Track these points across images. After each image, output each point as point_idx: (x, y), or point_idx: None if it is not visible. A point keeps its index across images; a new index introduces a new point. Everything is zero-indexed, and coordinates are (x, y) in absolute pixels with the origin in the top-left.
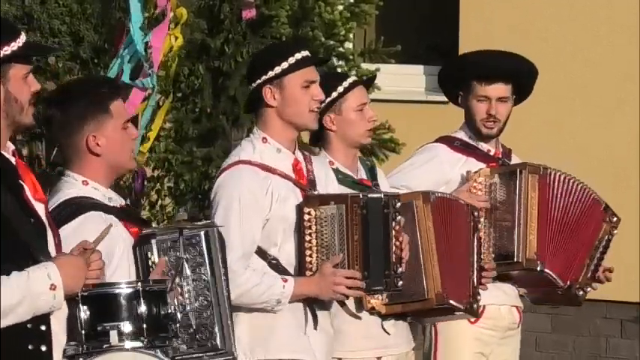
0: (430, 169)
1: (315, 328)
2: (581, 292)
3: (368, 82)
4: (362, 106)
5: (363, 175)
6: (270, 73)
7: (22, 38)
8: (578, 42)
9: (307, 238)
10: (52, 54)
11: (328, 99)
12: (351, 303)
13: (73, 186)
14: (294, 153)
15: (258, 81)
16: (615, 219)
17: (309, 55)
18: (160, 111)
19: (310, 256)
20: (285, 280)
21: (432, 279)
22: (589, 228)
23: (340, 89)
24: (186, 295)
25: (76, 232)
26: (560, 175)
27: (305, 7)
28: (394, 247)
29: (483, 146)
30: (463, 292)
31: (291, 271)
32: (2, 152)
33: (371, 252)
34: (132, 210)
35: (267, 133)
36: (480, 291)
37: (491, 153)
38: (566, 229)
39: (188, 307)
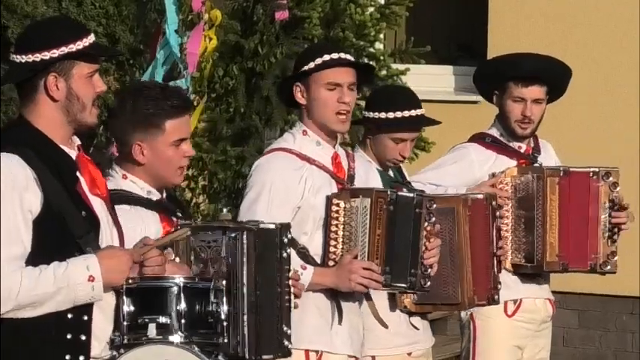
0: (460, 169)
1: (340, 323)
2: (608, 266)
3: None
4: (401, 140)
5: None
6: (298, 72)
7: (91, 39)
8: (608, 40)
9: (333, 229)
10: (116, 56)
11: (377, 114)
12: (385, 301)
13: (113, 179)
14: (334, 147)
15: (290, 78)
16: (611, 177)
17: (342, 57)
18: (194, 111)
19: (335, 247)
20: (304, 268)
21: (465, 283)
22: (587, 202)
23: (391, 115)
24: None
25: None
26: (576, 172)
27: (336, 8)
28: (424, 248)
29: (514, 143)
30: (487, 286)
31: (319, 261)
32: (62, 146)
33: (396, 248)
34: (169, 205)
35: (307, 127)
36: (516, 284)
37: (522, 150)
38: (580, 221)
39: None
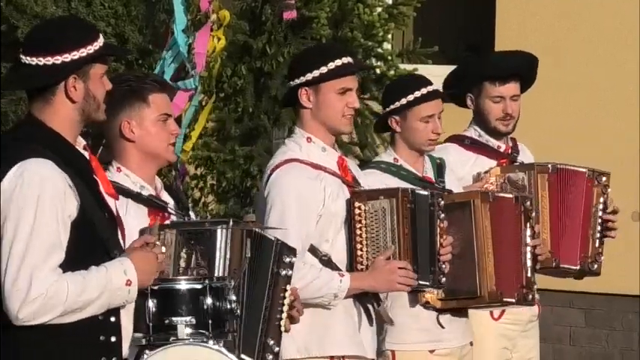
0: None
1: (371, 324)
2: (595, 266)
3: (443, 94)
4: (428, 118)
5: (429, 171)
6: (309, 76)
7: (102, 40)
8: (614, 39)
9: (358, 232)
10: (125, 55)
11: (397, 103)
12: (404, 297)
13: (109, 172)
14: (337, 151)
15: (297, 81)
16: (604, 178)
17: (351, 62)
18: (203, 111)
19: (361, 249)
20: (342, 275)
21: (485, 277)
22: (581, 201)
23: (410, 97)
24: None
25: None
26: (564, 168)
27: (344, 8)
28: (438, 244)
29: (493, 143)
30: (516, 284)
31: (343, 267)
32: (77, 148)
33: (419, 246)
34: (160, 200)
35: (309, 132)
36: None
37: (502, 149)
38: (570, 216)
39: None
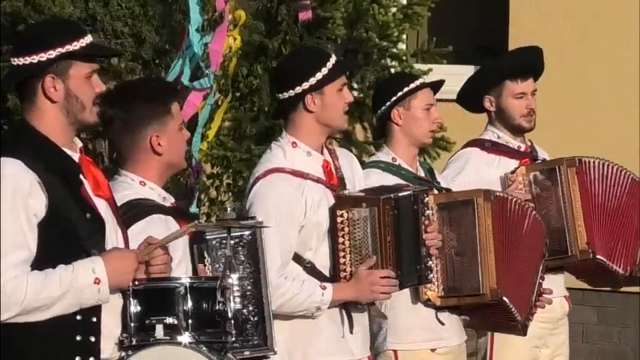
0: (468, 174)
1: (352, 332)
2: None
3: (436, 85)
4: (429, 105)
5: (421, 174)
6: (312, 80)
7: (88, 39)
8: (627, 39)
9: (340, 240)
10: (114, 56)
11: (399, 93)
12: (406, 297)
13: (130, 187)
14: (322, 154)
15: (299, 89)
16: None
17: (340, 59)
18: (219, 110)
19: (344, 257)
20: (324, 288)
21: (487, 275)
22: (635, 209)
23: (412, 86)
24: (235, 292)
25: (141, 234)
26: (594, 162)
27: (359, 9)
28: (423, 242)
29: (513, 143)
30: (523, 298)
31: (327, 273)
32: (64, 149)
33: (403, 250)
34: (183, 209)
35: (298, 137)
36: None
37: (522, 149)
38: (612, 213)
39: (235, 304)
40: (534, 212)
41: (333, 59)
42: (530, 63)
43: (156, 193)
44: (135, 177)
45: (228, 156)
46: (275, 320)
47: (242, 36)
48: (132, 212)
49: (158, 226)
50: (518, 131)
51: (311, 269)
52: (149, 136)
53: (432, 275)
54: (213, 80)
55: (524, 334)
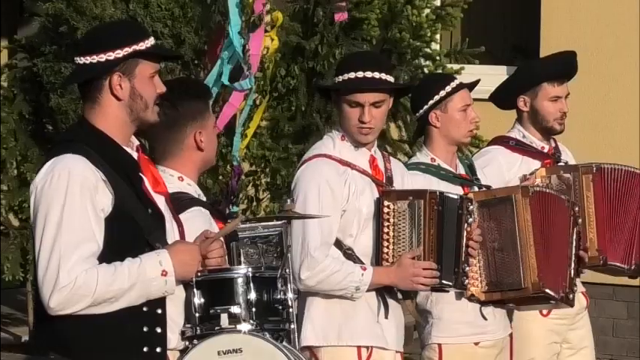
0: (490, 172)
1: (387, 317)
2: None
3: (472, 85)
4: (466, 107)
5: (461, 171)
6: (436, 98)
7: (152, 40)
8: None
9: (385, 230)
10: (176, 58)
11: (436, 97)
12: (450, 293)
13: (170, 181)
14: (370, 150)
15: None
16: None
17: (364, 77)
18: (257, 110)
19: (387, 247)
20: (364, 269)
21: (529, 269)
22: (635, 202)
23: (448, 89)
24: None
25: (185, 224)
26: (609, 168)
27: (394, 10)
28: (464, 247)
29: (537, 144)
30: (560, 282)
31: (366, 261)
32: (125, 147)
33: (444, 247)
34: (215, 206)
35: (344, 132)
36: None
37: (545, 150)
38: (620, 214)
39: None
40: (566, 199)
41: (354, 74)
42: (568, 67)
43: (192, 188)
44: (174, 172)
45: (266, 155)
46: (313, 297)
47: (279, 37)
48: (175, 204)
49: (201, 218)
50: (548, 133)
51: (350, 255)
52: (194, 132)
53: (467, 281)
54: (254, 81)
55: (572, 306)
